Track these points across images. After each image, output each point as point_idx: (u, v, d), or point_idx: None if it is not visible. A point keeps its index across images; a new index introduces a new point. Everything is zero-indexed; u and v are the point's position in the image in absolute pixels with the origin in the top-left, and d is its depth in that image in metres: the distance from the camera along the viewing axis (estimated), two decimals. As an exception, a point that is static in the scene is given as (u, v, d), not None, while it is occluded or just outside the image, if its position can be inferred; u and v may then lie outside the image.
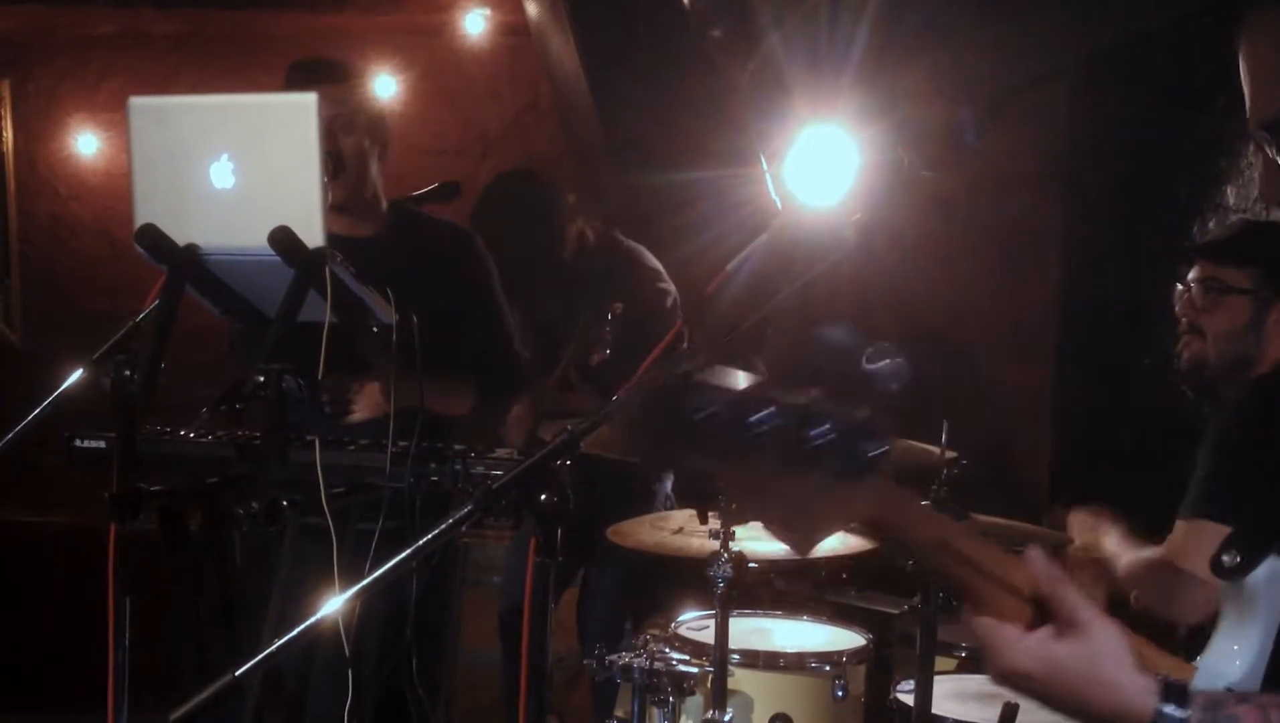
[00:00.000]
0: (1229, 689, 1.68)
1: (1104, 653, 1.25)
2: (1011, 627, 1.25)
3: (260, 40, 5.94)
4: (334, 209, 3.15)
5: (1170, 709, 1.23)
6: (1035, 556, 1.27)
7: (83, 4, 5.81)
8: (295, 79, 3.20)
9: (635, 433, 1.23)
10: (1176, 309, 3.10)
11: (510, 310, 3.47)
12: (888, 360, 1.24)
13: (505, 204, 4.08)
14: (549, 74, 5.83)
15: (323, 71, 3.19)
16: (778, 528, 1.20)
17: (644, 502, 4.22)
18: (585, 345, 3.97)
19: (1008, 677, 1.26)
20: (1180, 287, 3.09)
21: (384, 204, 3.35)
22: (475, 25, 5.82)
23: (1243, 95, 1.74)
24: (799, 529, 1.19)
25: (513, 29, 5.86)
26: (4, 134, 6.11)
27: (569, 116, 5.79)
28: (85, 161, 6.11)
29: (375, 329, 2.66)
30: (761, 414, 1.11)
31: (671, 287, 4.35)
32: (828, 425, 1.11)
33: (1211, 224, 3.12)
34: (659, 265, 4.38)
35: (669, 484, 4.35)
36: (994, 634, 1.25)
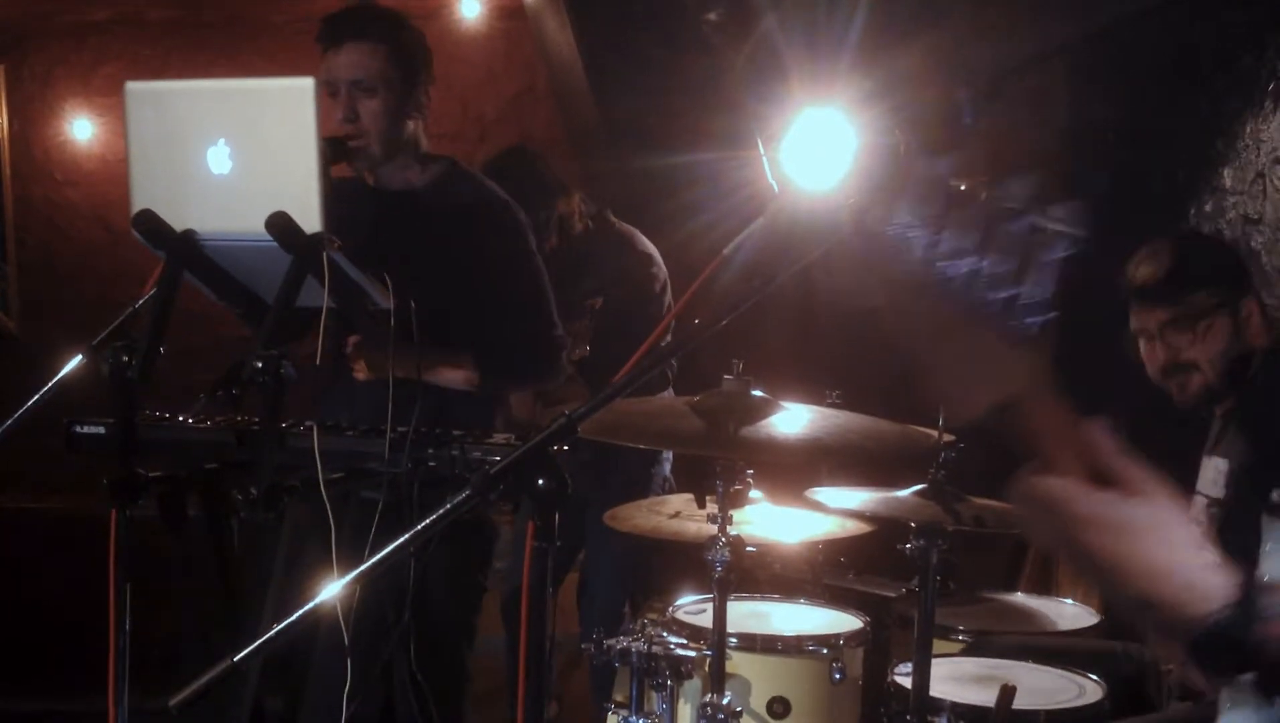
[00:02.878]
0: None
1: (1174, 524, 1.23)
2: (1082, 483, 1.24)
3: (255, 25, 5.93)
4: (364, 167, 3.14)
5: (1246, 596, 1.19)
6: (1100, 427, 1.26)
7: (78, -11, 5.81)
8: (331, 33, 3.11)
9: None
10: (1149, 356, 3.03)
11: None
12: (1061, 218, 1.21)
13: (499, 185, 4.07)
14: (545, 57, 5.82)
15: (354, 27, 3.11)
16: (946, 382, 1.22)
17: (641, 484, 4.22)
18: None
19: (1081, 525, 1.23)
20: (1143, 338, 3.04)
21: (422, 157, 3.23)
22: (471, 9, 5.81)
23: (1240, 76, 1.74)
24: (963, 388, 1.22)
25: (509, 12, 5.86)
26: (-1, 120, 6.11)
27: (565, 100, 5.78)
28: (81, 147, 6.10)
29: (372, 313, 2.66)
30: (950, 260, 1.14)
31: (662, 271, 4.35)
32: (1002, 286, 1.14)
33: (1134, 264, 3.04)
34: (652, 249, 4.37)
35: (667, 466, 4.35)
36: (1065, 487, 1.23)
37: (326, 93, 3.05)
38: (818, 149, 2.46)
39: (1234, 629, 1.18)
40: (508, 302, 3.16)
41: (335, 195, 3.19)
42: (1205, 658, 1.21)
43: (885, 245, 1.15)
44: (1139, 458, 1.27)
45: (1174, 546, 1.23)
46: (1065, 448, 1.25)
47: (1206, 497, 3.01)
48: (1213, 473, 3.01)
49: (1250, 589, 1.20)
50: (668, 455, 4.32)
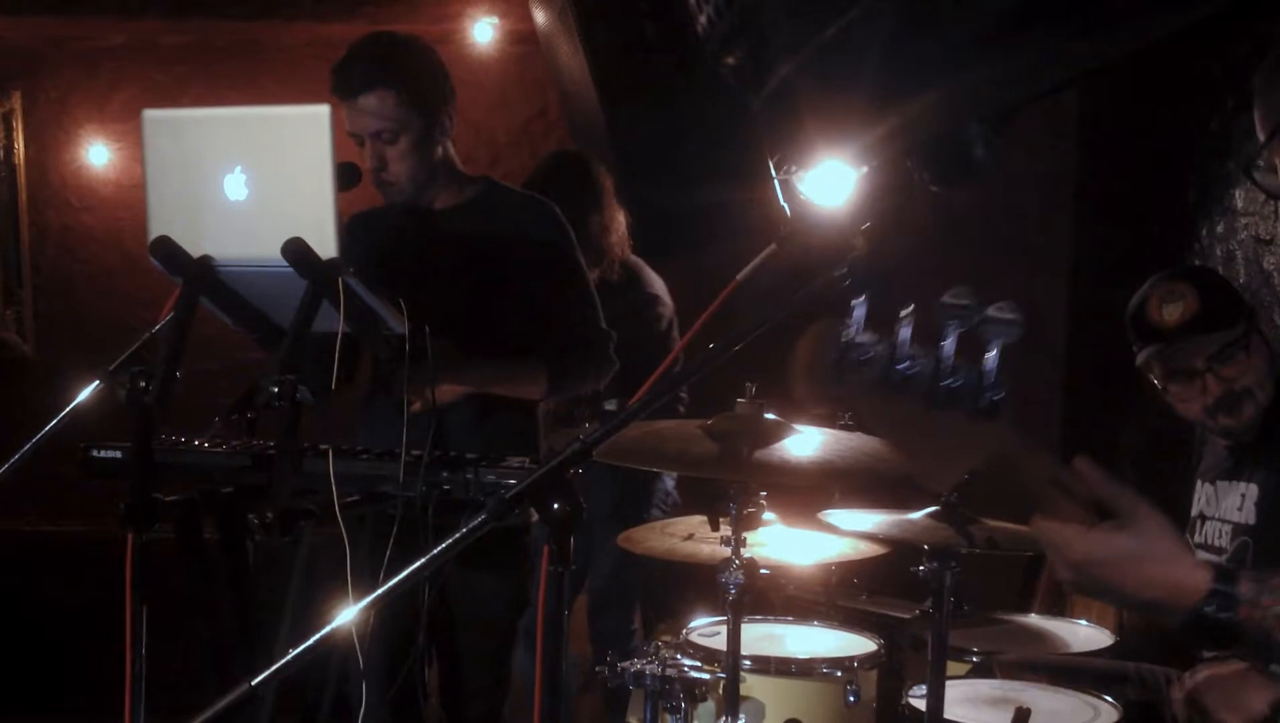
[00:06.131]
0: None
1: (1159, 540, 1.43)
2: (1076, 526, 1.42)
3: (269, 50, 5.96)
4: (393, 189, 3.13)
5: (1221, 586, 1.41)
6: (1084, 464, 1.43)
7: (93, 15, 5.83)
8: (342, 86, 3.06)
9: (799, 368, 1.39)
10: (1195, 394, 2.97)
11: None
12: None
13: (557, 185, 4.03)
14: (557, 82, 5.83)
15: (363, 79, 3.05)
16: (920, 462, 1.40)
17: (642, 500, 4.21)
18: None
19: (1078, 567, 1.43)
20: (1178, 380, 2.99)
21: (459, 177, 3.24)
22: (484, 34, 5.83)
23: (1250, 95, 1.78)
24: (937, 464, 1.40)
25: (521, 37, 5.87)
26: (16, 145, 6.14)
27: (577, 125, 5.79)
28: (96, 172, 6.14)
29: (387, 339, 2.67)
30: (908, 362, 1.34)
31: (669, 310, 4.31)
32: (959, 374, 1.34)
33: (1154, 303, 3.00)
34: (659, 287, 4.31)
35: (669, 481, 4.33)
36: (1062, 533, 1.43)
37: (353, 142, 3.07)
38: (831, 179, 2.47)
39: (1217, 615, 1.41)
40: (561, 307, 3.21)
41: (377, 222, 3.23)
42: (1195, 641, 1.44)
43: (849, 358, 1.34)
44: (1124, 484, 1.44)
45: (1164, 565, 1.43)
46: (1057, 492, 1.42)
47: (1231, 522, 3.00)
48: (1236, 499, 2.99)
49: (1223, 581, 1.41)
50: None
